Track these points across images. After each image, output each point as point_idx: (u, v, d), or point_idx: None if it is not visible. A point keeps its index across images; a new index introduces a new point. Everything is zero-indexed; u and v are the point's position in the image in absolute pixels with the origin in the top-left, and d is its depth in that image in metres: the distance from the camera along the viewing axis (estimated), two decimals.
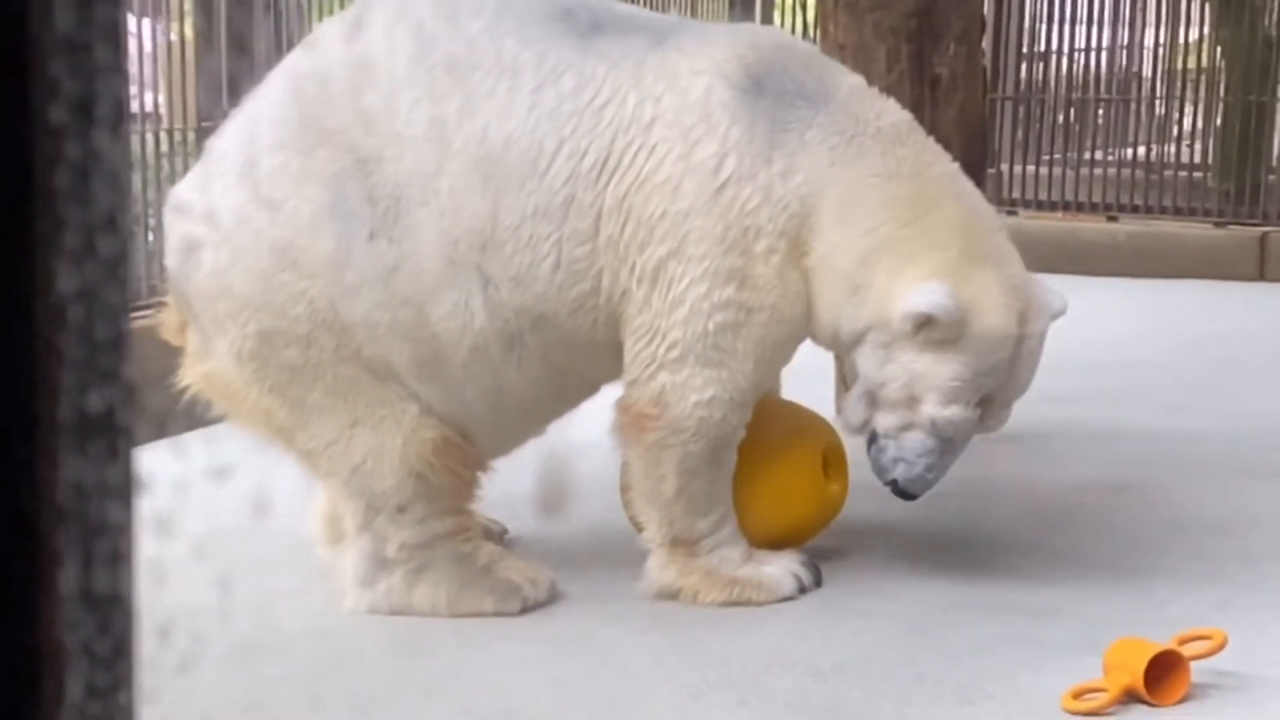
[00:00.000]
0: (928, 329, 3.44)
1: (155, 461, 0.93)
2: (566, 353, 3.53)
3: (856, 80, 3.70)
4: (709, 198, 3.43)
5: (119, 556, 0.64)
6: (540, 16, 3.50)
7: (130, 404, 0.64)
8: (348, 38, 3.48)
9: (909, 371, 3.50)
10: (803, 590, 3.63)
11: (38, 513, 0.62)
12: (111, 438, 0.63)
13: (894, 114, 3.65)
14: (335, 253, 3.37)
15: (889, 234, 3.50)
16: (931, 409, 3.52)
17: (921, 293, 3.42)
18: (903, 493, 3.63)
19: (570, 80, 3.45)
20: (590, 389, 3.72)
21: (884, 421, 3.58)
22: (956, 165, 3.70)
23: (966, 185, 3.70)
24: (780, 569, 3.63)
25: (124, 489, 0.64)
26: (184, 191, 3.67)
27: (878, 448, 3.61)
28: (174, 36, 6.06)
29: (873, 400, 3.59)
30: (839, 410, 4.09)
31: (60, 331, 0.61)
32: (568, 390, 3.67)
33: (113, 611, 0.64)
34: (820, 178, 3.48)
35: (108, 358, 0.62)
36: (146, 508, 0.68)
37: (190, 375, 3.54)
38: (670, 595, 3.59)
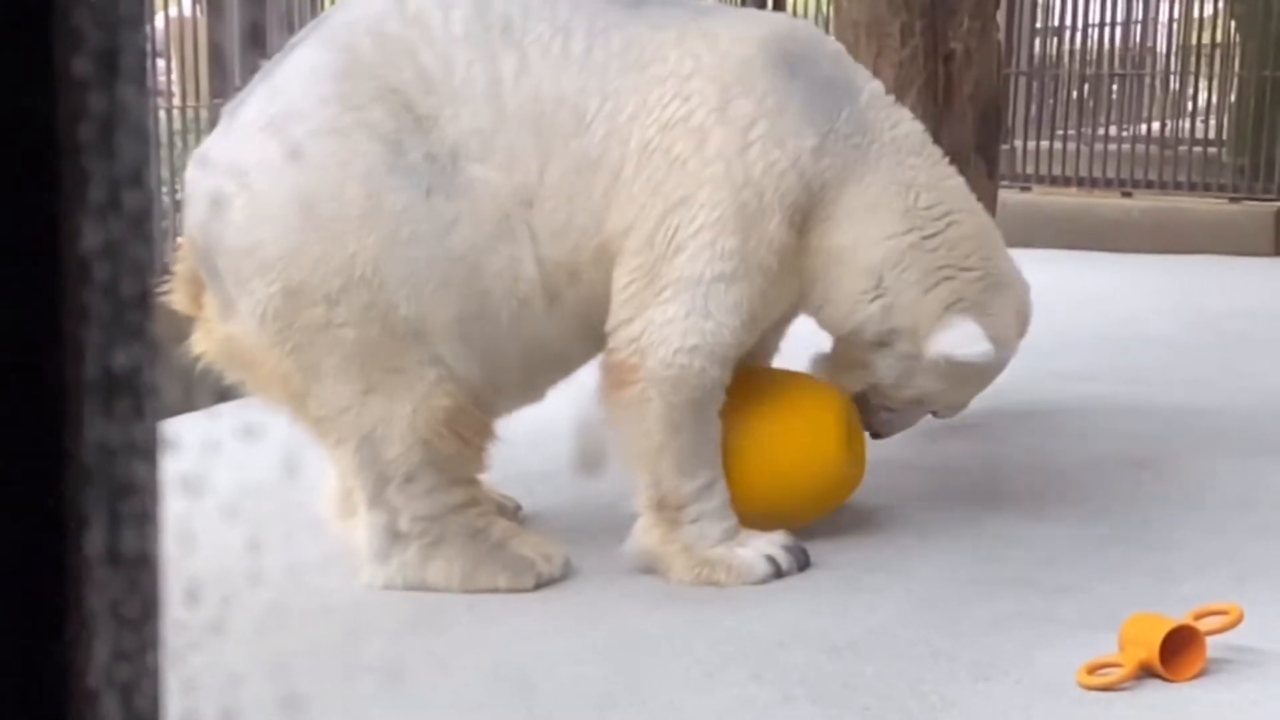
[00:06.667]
0: (961, 365, 3.68)
1: (185, 423, 0.92)
2: (592, 307, 3.57)
3: (877, 85, 3.81)
4: (736, 150, 3.52)
5: (146, 517, 0.63)
6: None
7: (156, 362, 0.62)
8: None
9: (925, 388, 3.77)
10: (779, 575, 3.55)
11: (63, 473, 0.61)
12: (138, 396, 0.62)
13: (909, 124, 3.78)
14: (391, 208, 3.38)
15: (915, 243, 3.65)
16: (937, 407, 3.94)
17: (965, 340, 3.63)
18: (876, 435, 3.94)
19: (618, 41, 3.55)
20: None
21: (883, 401, 3.85)
22: (963, 179, 3.87)
23: (973, 197, 3.88)
24: (754, 552, 3.57)
25: (150, 448, 0.63)
26: (212, 147, 3.60)
27: (871, 409, 3.86)
28: (186, 12, 6.05)
29: (876, 389, 3.81)
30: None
31: (85, 288, 0.60)
32: (598, 343, 3.69)
33: (140, 573, 0.63)
34: (846, 170, 3.60)
35: (134, 314, 0.61)
36: (175, 469, 0.68)
37: (206, 341, 3.53)
38: (648, 561, 3.57)
